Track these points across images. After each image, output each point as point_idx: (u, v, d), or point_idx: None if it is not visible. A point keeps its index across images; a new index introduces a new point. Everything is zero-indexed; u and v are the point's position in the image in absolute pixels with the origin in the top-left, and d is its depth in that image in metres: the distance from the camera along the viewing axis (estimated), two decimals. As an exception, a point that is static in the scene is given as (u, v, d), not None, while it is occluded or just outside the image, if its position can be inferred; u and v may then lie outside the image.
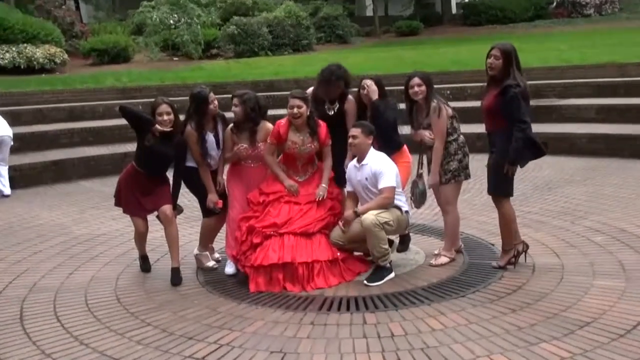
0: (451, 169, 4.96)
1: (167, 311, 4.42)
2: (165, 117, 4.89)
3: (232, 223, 5.08)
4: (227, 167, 5.31)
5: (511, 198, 4.90)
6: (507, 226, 4.86)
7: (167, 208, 5.01)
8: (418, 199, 5.22)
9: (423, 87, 4.94)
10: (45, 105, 12.25)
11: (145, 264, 5.35)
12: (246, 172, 5.16)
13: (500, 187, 4.81)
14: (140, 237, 5.28)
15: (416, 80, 4.96)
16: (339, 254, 4.88)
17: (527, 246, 4.96)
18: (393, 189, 4.78)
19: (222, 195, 5.21)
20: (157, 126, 4.87)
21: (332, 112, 5.27)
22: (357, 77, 5.31)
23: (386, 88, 5.22)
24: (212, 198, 5.11)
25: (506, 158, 4.61)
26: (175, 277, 4.99)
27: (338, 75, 5.15)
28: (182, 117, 5.11)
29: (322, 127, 5.04)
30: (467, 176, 5.08)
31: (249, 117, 5.04)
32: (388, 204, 4.78)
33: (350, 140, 4.87)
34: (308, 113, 4.97)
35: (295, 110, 4.92)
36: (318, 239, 4.87)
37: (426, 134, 4.99)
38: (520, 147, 4.54)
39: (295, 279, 4.69)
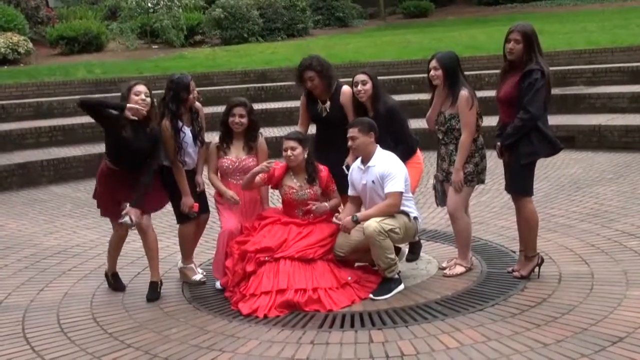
0: (465, 172, 4.99)
1: (150, 331, 4.46)
2: (144, 97, 4.77)
3: (223, 238, 5.05)
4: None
5: (534, 199, 4.94)
6: (531, 230, 4.90)
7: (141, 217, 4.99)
8: (440, 196, 5.24)
9: (439, 71, 4.95)
10: (9, 101, 12.27)
11: (116, 282, 5.28)
12: (233, 190, 5.16)
13: (516, 185, 4.87)
14: (119, 243, 5.25)
15: (433, 62, 4.99)
16: (349, 277, 4.86)
17: (542, 260, 4.98)
18: (400, 195, 4.80)
19: (199, 198, 5.22)
20: (133, 106, 4.68)
21: (325, 113, 5.31)
22: (360, 64, 5.33)
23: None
24: (187, 201, 5.09)
25: (520, 153, 4.68)
26: (152, 292, 5.01)
27: (304, 65, 5.23)
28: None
29: (323, 172, 5.08)
30: (481, 181, 5.12)
31: (252, 128, 5.17)
32: (392, 212, 4.79)
33: (349, 143, 4.87)
34: (305, 156, 5.01)
35: (289, 152, 4.96)
36: (320, 267, 4.83)
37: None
38: (514, 134, 4.65)
39: (291, 306, 4.62)
